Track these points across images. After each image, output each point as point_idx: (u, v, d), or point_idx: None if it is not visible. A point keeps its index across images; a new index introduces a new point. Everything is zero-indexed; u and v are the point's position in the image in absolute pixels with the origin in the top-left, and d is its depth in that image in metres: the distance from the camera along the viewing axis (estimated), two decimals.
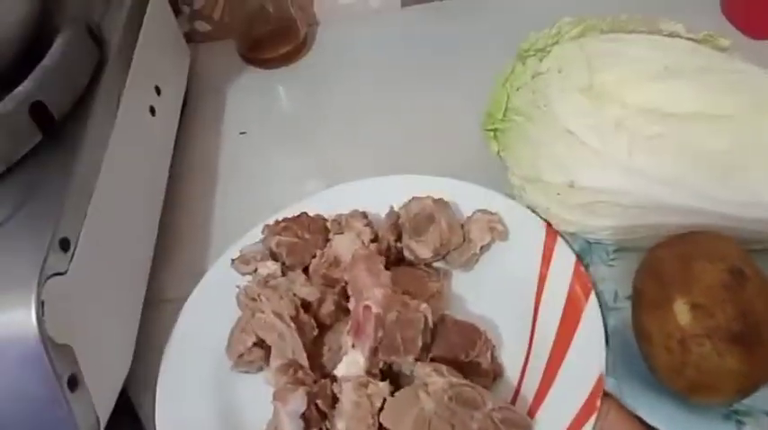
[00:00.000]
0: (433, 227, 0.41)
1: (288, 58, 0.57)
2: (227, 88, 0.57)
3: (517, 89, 0.41)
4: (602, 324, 0.36)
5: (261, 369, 0.40)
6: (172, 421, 0.37)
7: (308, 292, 0.38)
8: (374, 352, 0.34)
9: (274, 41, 0.56)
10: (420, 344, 0.35)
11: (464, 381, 0.33)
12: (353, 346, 0.35)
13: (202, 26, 0.59)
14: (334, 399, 0.35)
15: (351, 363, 0.35)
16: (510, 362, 0.37)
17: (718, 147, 0.35)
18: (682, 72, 0.37)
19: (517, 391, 0.36)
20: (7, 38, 0.35)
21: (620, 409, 0.33)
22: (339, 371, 0.35)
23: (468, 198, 0.43)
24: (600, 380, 0.34)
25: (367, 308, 0.35)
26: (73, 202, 0.33)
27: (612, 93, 0.37)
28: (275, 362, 0.37)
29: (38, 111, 0.34)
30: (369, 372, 0.34)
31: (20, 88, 0.33)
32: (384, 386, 0.34)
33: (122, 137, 0.39)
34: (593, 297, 0.37)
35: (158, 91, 0.47)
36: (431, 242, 0.40)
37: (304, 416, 0.34)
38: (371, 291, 0.35)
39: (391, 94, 0.53)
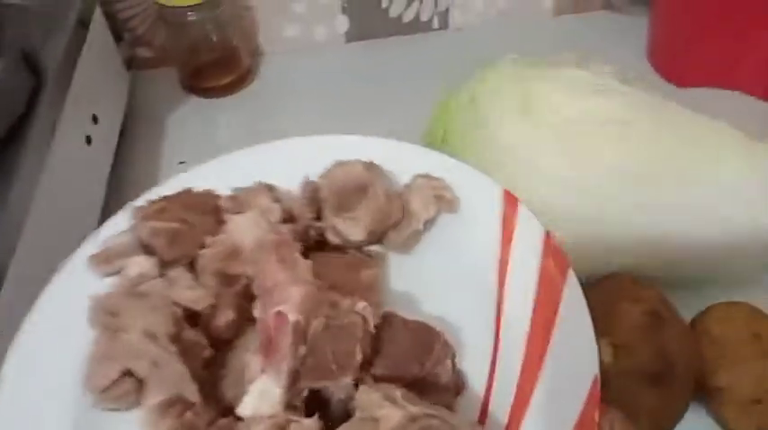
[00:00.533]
0: (367, 200, 0.31)
1: (230, 88, 0.55)
2: (168, 117, 0.55)
3: (455, 111, 0.40)
4: (587, 310, 0.29)
5: (135, 404, 0.28)
6: None
7: (196, 298, 0.27)
8: (294, 377, 0.25)
9: (217, 71, 0.54)
10: (359, 359, 0.25)
11: (430, 410, 0.24)
12: (263, 371, 0.25)
13: (144, 53, 0.57)
14: None
15: (261, 396, 0.24)
16: (472, 370, 0.29)
17: (641, 161, 0.35)
18: (613, 91, 0.38)
19: (485, 408, 0.28)
20: None
21: (625, 421, 0.27)
22: (245, 409, 0.25)
23: (402, 161, 0.35)
24: (596, 384, 0.26)
25: (280, 315, 0.25)
26: (3, 232, 0.32)
27: (547, 107, 0.37)
28: (152, 398, 0.26)
29: None
30: (288, 406, 0.25)
31: None
32: (311, 424, 0.24)
33: (57, 166, 0.38)
34: (572, 275, 0.30)
35: (95, 119, 0.45)
36: (364, 220, 0.31)
37: None
38: (285, 291, 0.26)
39: (335, 126, 0.52)
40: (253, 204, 0.32)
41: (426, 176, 0.35)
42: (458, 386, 0.28)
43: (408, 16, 0.59)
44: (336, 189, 0.33)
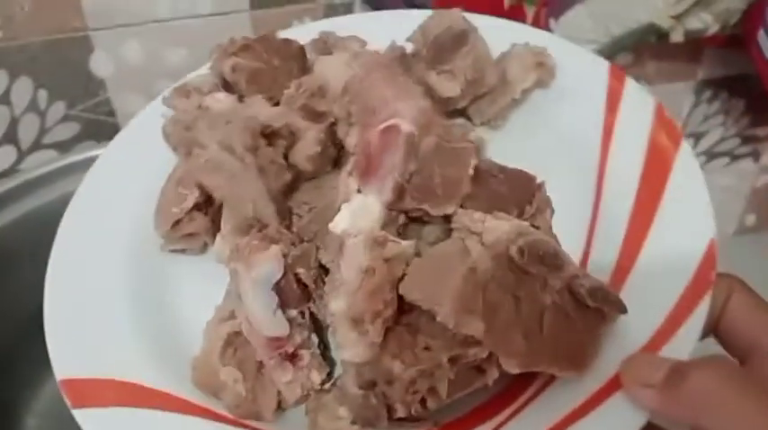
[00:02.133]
0: (466, 50, 0.28)
1: None
2: None
3: None
4: (702, 178, 0.26)
5: (204, 248, 0.28)
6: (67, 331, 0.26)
7: (273, 116, 0.26)
8: (399, 193, 0.22)
9: None
10: (465, 190, 0.23)
11: (536, 229, 0.22)
12: (360, 191, 0.23)
13: None
14: (322, 272, 0.24)
15: (358, 213, 0.22)
16: (567, 235, 0.25)
17: None
18: None
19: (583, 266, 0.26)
20: None
21: (746, 287, 0.23)
22: (338, 225, 0.23)
23: (500, 32, 0.31)
24: (712, 247, 0.24)
25: (389, 129, 0.23)
26: None
27: None
28: (227, 223, 0.25)
29: None
30: (384, 228, 0.23)
31: None
32: (409, 246, 0.22)
33: None
34: (685, 146, 0.27)
35: None
36: (461, 72, 0.28)
37: (278, 288, 0.22)
38: (395, 105, 0.23)
39: None
40: (342, 47, 0.30)
41: (525, 45, 0.32)
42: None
43: None
44: (432, 42, 0.30)
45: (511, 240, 0.20)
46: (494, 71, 0.30)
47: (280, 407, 0.23)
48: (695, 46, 0.51)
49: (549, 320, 0.21)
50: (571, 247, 0.26)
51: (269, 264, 0.22)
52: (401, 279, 0.21)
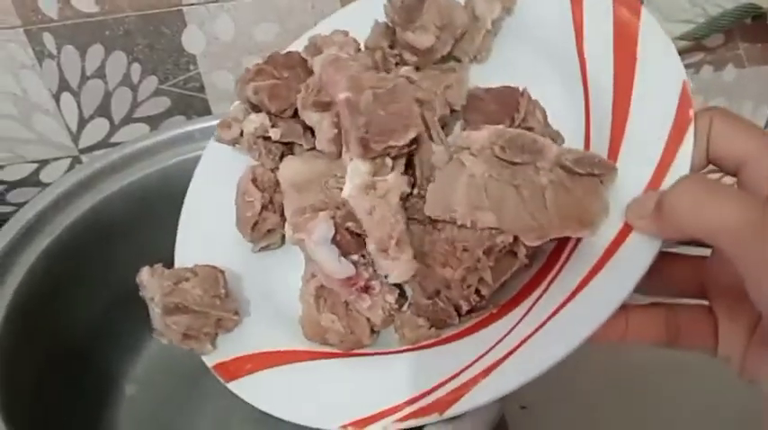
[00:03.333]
0: (428, 3, 0.33)
1: None
2: None
3: None
4: (666, 36, 0.29)
5: (282, 241, 0.35)
6: None
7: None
8: (365, 145, 0.28)
9: None
10: (417, 112, 0.28)
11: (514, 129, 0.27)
12: (351, 161, 0.29)
13: None
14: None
15: (353, 177, 0.28)
16: (567, 125, 0.30)
17: None
18: None
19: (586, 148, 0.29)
20: None
21: (728, 115, 0.26)
22: (344, 193, 0.28)
23: None
24: (684, 90, 0.27)
25: (341, 103, 0.29)
26: None
27: None
28: (288, 211, 0.32)
29: None
30: (376, 174, 0.28)
31: None
32: (395, 177, 0.27)
33: None
34: (645, 13, 0.30)
35: None
36: (429, 23, 0.33)
37: (336, 242, 0.28)
38: (339, 83, 0.29)
39: None
40: (330, 43, 0.35)
41: None
42: (554, 138, 0.30)
43: None
44: (400, 7, 0.34)
45: (493, 142, 0.25)
46: (461, 12, 0.34)
47: (373, 331, 0.30)
48: None
49: (551, 195, 0.25)
50: (574, 135, 0.31)
51: (322, 225, 0.28)
52: (405, 201, 0.27)
